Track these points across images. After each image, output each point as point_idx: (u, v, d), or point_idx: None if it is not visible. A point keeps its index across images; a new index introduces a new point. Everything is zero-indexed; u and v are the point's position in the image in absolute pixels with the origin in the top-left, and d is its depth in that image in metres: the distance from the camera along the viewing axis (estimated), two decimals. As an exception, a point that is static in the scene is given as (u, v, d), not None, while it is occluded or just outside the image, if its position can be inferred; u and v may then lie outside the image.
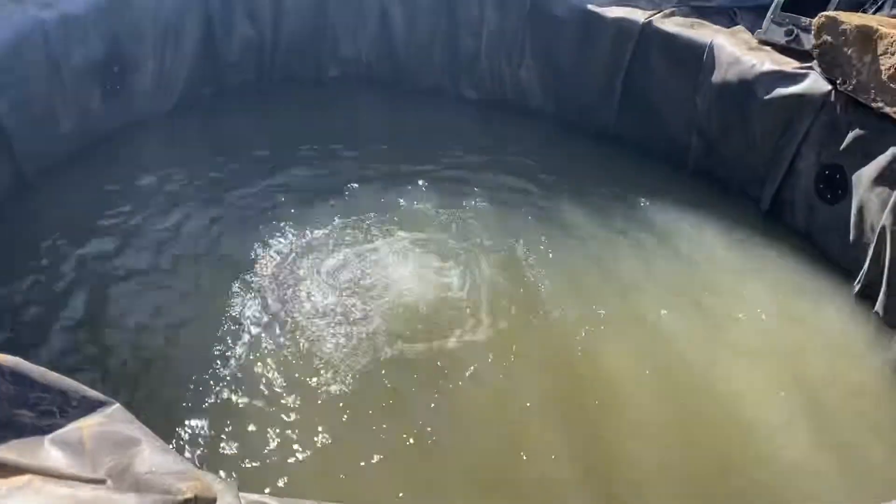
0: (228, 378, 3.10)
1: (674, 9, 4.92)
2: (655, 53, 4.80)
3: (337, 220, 4.17)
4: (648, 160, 4.98)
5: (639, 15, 4.87)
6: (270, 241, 3.98)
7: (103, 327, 3.33)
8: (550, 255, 4.04)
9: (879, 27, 3.62)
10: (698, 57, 4.59)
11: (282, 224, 4.11)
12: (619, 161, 5.04)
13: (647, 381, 3.29)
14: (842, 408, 3.28)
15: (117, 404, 1.71)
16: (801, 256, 4.16)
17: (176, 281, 3.66)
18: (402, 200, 4.42)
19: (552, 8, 5.12)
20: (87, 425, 1.62)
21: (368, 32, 5.64)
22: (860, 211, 3.83)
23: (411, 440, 2.91)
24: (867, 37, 3.65)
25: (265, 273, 3.74)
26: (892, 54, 3.53)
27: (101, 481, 1.43)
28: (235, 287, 3.62)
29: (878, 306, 3.67)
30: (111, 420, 1.65)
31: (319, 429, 2.91)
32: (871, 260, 3.71)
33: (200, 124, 5.08)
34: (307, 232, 4.06)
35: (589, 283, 3.88)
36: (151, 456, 1.50)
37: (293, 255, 3.89)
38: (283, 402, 3.01)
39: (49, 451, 1.54)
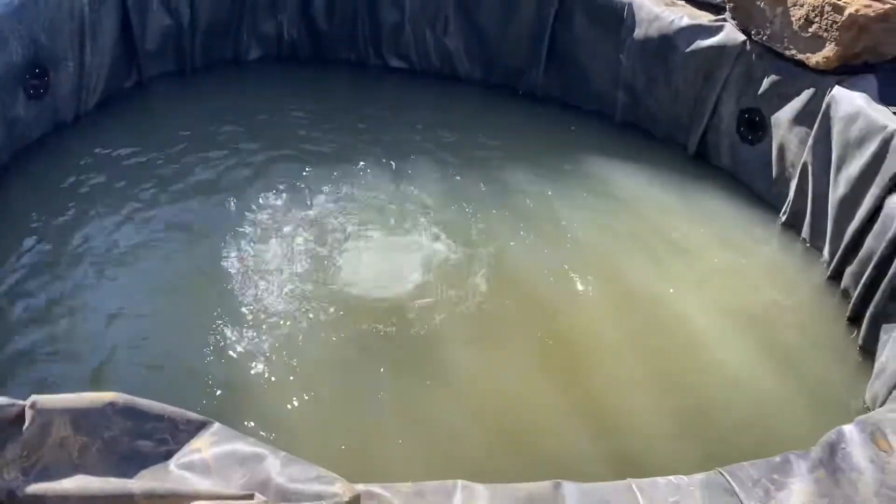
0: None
1: (590, -30, 5.16)
2: (578, 15, 5.04)
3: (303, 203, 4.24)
4: (578, 117, 5.25)
5: (559, -22, 5.08)
6: (209, 228, 3.98)
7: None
8: (494, 212, 4.25)
9: (788, -19, 3.99)
10: (619, 16, 4.86)
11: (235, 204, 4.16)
12: (550, 120, 5.28)
13: (617, 322, 3.60)
14: (788, 325, 3.72)
15: (217, 423, 1.81)
16: (729, 193, 4.57)
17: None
18: (352, 176, 4.51)
19: (475, -24, 5.25)
20: (202, 446, 1.72)
21: (289, 9, 5.58)
22: (780, 149, 4.26)
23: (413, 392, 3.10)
24: (778, -9, 4.02)
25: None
26: (802, 5, 3.91)
27: (249, 496, 1.54)
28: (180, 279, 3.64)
29: (805, 233, 4.13)
30: (220, 438, 1.75)
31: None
32: (795, 192, 4.15)
33: (123, 119, 4.91)
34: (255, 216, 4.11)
35: (541, 235, 4.13)
36: (285, 467, 1.62)
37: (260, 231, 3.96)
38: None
39: (181, 475, 1.63)
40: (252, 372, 3.16)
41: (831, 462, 1.91)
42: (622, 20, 4.86)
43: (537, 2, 5.13)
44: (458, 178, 4.58)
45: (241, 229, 3.99)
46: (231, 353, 3.23)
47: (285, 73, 5.66)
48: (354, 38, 5.70)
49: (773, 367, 3.44)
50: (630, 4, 4.81)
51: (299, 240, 3.96)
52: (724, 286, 3.90)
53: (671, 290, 3.81)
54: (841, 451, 1.92)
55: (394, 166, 4.63)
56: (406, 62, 5.72)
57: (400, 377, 3.21)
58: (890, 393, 2.65)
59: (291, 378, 3.14)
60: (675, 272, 3.97)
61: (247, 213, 4.11)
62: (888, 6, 3.76)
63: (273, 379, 3.13)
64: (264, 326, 3.37)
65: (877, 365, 3.17)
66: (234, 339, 3.29)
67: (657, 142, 4.99)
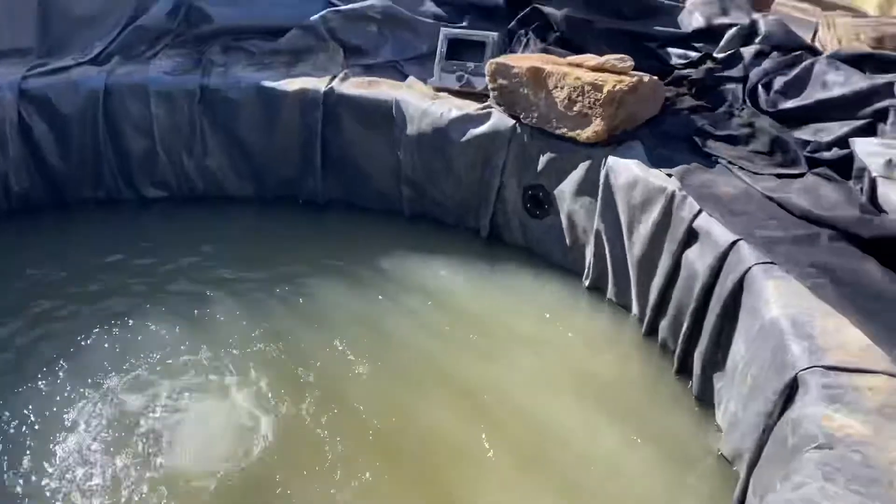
0: None
1: (345, 72, 5.10)
2: (345, 117, 4.92)
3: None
4: (366, 218, 5.12)
5: (318, 83, 4.94)
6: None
7: None
8: (310, 340, 3.95)
9: (545, 66, 4.22)
10: (387, 114, 4.84)
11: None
12: (337, 225, 5.09)
13: (465, 425, 3.47)
14: (622, 387, 3.83)
15: None
16: (530, 268, 4.66)
17: None
18: (139, 339, 3.92)
19: (226, 93, 4.93)
20: None
21: (12, 153, 4.82)
22: (570, 220, 4.45)
23: None
24: (538, 76, 4.23)
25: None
26: (562, 88, 4.15)
27: None
28: None
29: (611, 293, 4.33)
30: None
31: None
32: (593, 258, 4.35)
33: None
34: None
35: (365, 351, 3.90)
36: None
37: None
38: None
39: None
40: None
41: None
42: (391, 118, 4.84)
43: (300, 109, 4.95)
44: (260, 309, 4.18)
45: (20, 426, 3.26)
46: None
47: (21, 230, 4.86)
48: (99, 173, 5.08)
49: (623, 434, 3.48)
50: (396, 102, 4.81)
51: (95, 423, 3.33)
52: (551, 361, 3.93)
53: (506, 378, 3.76)
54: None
55: (184, 313, 4.11)
56: (165, 190, 5.21)
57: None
58: (761, 449, 2.76)
59: None
60: (503, 358, 3.93)
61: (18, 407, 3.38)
62: (635, 79, 4.12)
63: None
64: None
65: (723, 416, 3.33)
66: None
67: (450, 229, 5.00)
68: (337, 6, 5.38)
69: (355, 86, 4.96)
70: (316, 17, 5.24)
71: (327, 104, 4.91)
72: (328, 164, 5.10)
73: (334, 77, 5.03)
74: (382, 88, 4.94)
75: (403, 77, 5.13)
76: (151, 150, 5.05)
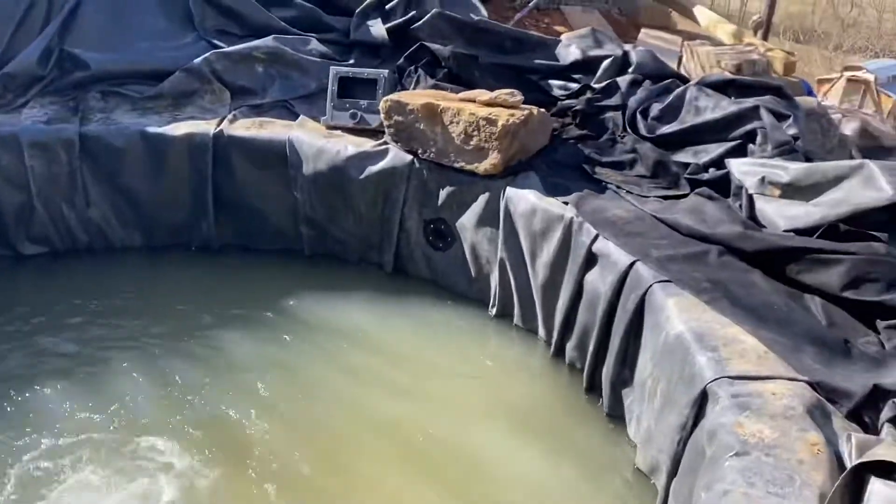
0: None
1: (234, 113, 5.00)
2: (237, 159, 4.81)
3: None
4: (265, 259, 5.00)
5: (206, 126, 4.82)
6: None
7: None
8: (226, 397, 3.80)
9: (440, 102, 4.31)
10: (281, 154, 4.77)
11: None
12: (235, 270, 4.94)
13: (394, 464, 3.48)
14: (537, 410, 3.93)
15: None
16: (436, 300, 4.71)
17: None
18: (35, 410, 3.65)
19: (109, 141, 4.70)
20: None
21: None
22: (473, 250, 4.54)
23: None
24: (433, 112, 4.32)
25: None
26: (458, 123, 4.25)
27: None
28: None
29: (517, 319, 4.44)
30: None
31: None
32: (498, 285, 4.45)
33: None
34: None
35: (283, 399, 3.81)
36: None
37: None
38: None
39: None
40: None
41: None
42: (285, 158, 4.78)
43: (189, 153, 4.79)
44: (162, 367, 3.98)
45: None
46: None
47: None
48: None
49: (542, 456, 3.57)
50: (290, 141, 4.76)
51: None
52: (467, 390, 4.00)
53: (426, 412, 3.78)
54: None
55: (77, 379, 3.86)
56: (45, 245, 4.89)
57: None
58: (678, 460, 2.90)
59: None
60: (420, 392, 3.95)
61: None
62: (526, 112, 4.28)
63: None
64: None
65: (636, 431, 3.48)
66: None
67: (354, 266, 4.97)
68: (221, 47, 5.28)
69: (246, 127, 4.87)
70: (199, 59, 5.11)
71: (217, 147, 4.78)
72: (221, 207, 4.95)
73: (223, 119, 4.92)
74: (274, 128, 4.88)
75: (294, 116, 5.08)
76: (27, 203, 4.73)
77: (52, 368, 3.94)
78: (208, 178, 4.84)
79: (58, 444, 3.43)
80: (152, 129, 4.75)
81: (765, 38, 7.54)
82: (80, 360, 4.01)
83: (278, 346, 4.20)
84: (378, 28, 5.67)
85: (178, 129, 4.77)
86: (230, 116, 4.96)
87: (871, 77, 9.54)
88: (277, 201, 4.92)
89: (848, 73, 9.60)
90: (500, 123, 4.13)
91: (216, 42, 5.38)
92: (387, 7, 5.86)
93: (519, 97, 4.35)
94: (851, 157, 4.38)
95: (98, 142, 4.70)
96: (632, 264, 3.58)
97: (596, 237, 3.82)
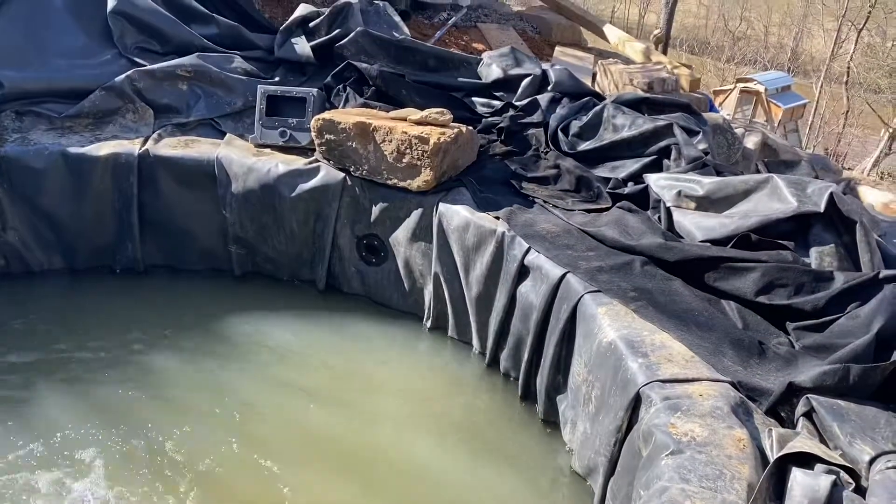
0: None
1: (159, 132, 4.91)
2: (163, 179, 4.73)
3: None
4: (194, 280, 4.94)
5: (130, 146, 4.72)
6: None
7: None
8: (161, 410, 3.78)
9: (372, 121, 4.39)
10: (209, 173, 4.73)
11: None
12: (161, 292, 4.85)
13: (338, 480, 3.51)
14: (475, 419, 4.06)
15: None
16: (370, 315, 4.78)
17: None
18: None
19: (27, 162, 4.53)
20: None
21: None
22: (407, 265, 4.63)
23: None
24: (365, 131, 4.39)
25: None
26: (391, 141, 4.34)
27: None
28: None
29: (452, 331, 4.56)
30: None
31: None
32: (433, 299, 4.56)
33: None
34: None
35: (218, 419, 3.80)
36: None
37: None
38: None
39: None
40: None
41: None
42: (213, 177, 4.74)
43: (112, 174, 4.68)
44: (92, 395, 3.88)
45: None
46: None
47: None
48: None
49: (484, 464, 3.70)
50: (218, 160, 4.72)
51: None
52: (405, 404, 4.07)
53: (367, 428, 3.84)
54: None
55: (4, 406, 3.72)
56: (-43, 271, 4.67)
57: None
58: (615, 461, 3.08)
59: None
60: (360, 408, 4.00)
61: None
62: (456, 130, 4.42)
63: None
64: None
65: (571, 434, 3.65)
66: None
67: (285, 285, 4.98)
68: (142, 65, 5.18)
69: (172, 146, 4.80)
70: (121, 77, 4.99)
71: (143, 167, 4.70)
72: (147, 228, 4.86)
73: (147, 138, 4.83)
74: (202, 147, 4.83)
75: (220, 134, 5.05)
76: (-62, 228, 4.53)
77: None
78: (133, 199, 4.74)
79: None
80: (74, 150, 4.61)
81: (664, 51, 7.99)
82: (2, 388, 3.87)
83: (213, 368, 4.15)
84: (303, 46, 5.69)
85: (102, 149, 4.66)
86: (155, 135, 4.88)
87: (761, 88, 10.24)
88: (206, 221, 4.87)
89: (741, 85, 10.27)
90: (431, 142, 4.24)
91: (137, 60, 5.27)
92: (310, 25, 5.89)
93: (448, 116, 4.48)
94: (756, 170, 4.73)
95: (15, 163, 4.53)
96: (563, 276, 3.76)
97: (528, 250, 3.98)
